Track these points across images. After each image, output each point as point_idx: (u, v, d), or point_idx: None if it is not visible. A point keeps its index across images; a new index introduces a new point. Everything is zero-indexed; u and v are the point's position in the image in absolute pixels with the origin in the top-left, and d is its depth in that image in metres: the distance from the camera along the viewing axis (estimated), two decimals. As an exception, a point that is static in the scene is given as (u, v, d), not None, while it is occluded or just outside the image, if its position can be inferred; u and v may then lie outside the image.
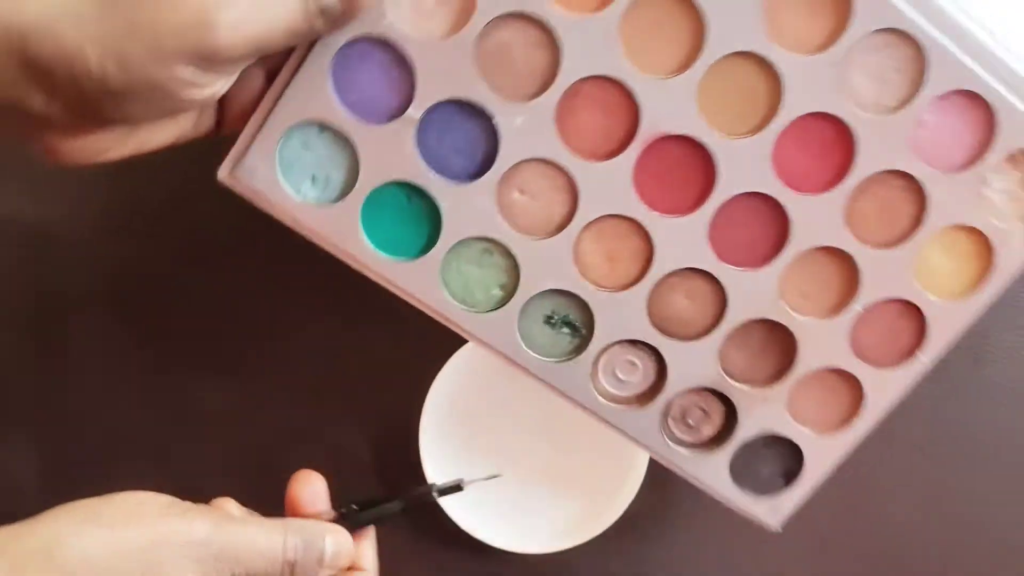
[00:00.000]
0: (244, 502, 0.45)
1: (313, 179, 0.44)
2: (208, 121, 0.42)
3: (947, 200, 0.44)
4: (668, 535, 0.56)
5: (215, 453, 0.55)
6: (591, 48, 0.41)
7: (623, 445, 0.49)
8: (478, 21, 0.41)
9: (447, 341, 0.49)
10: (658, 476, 0.52)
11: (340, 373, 0.55)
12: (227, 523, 0.40)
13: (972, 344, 0.55)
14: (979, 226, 0.45)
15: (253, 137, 0.42)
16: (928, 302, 0.46)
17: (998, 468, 0.57)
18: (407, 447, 0.53)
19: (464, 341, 0.48)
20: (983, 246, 0.45)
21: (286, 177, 0.43)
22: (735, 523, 0.54)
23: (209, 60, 0.35)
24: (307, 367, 0.55)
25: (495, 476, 0.49)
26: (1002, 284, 0.46)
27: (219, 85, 0.38)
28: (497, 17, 0.41)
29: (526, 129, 0.43)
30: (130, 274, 0.53)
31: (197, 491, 0.53)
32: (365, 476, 0.56)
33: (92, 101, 0.35)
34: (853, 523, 0.57)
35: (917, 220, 0.45)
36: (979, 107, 0.43)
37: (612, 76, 0.42)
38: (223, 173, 0.43)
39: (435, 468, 0.51)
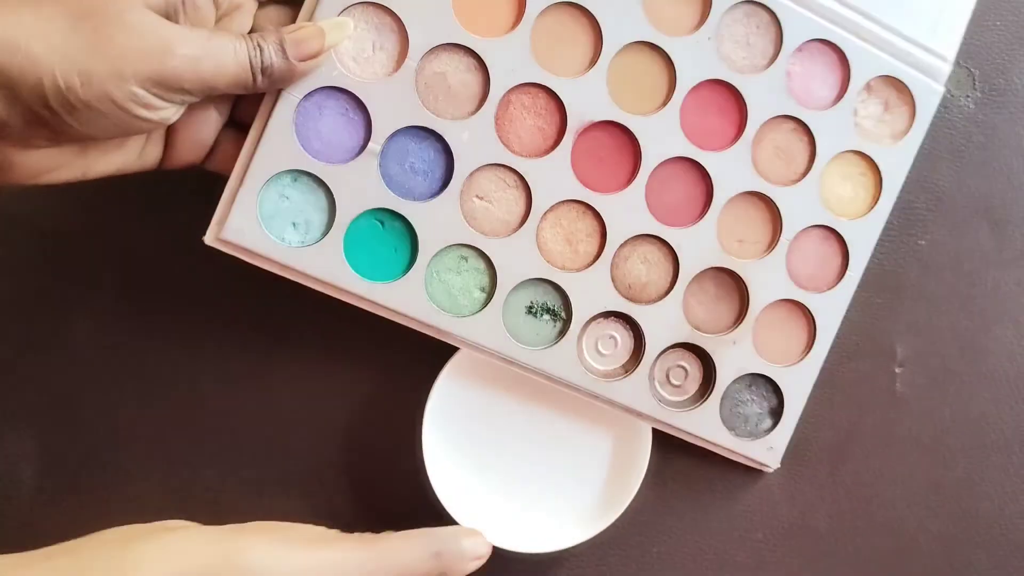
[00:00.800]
0: (248, 499, 0.48)
1: (294, 225, 0.48)
2: (154, 152, 0.46)
3: (829, 132, 0.52)
4: (669, 533, 0.56)
5: (217, 450, 0.54)
6: (511, 63, 0.49)
7: (623, 443, 0.53)
8: (413, 57, 0.47)
9: (438, 356, 0.52)
10: (659, 474, 0.54)
11: (343, 368, 0.55)
12: (382, 541, 0.44)
13: (970, 338, 0.58)
14: (860, 149, 0.53)
15: (233, 198, 0.47)
16: (841, 224, 0.53)
17: (998, 463, 0.58)
18: (410, 456, 0.53)
19: (455, 350, 0.51)
20: (870, 166, 0.53)
21: (269, 229, 0.47)
22: (736, 520, 0.57)
23: (164, 85, 0.40)
24: (307, 369, 0.55)
25: None
26: (894, 194, 0.54)
27: (170, 112, 0.42)
28: (428, 51, 0.48)
29: (473, 141, 0.49)
30: (133, 269, 0.53)
31: (199, 489, 0.53)
32: (367, 486, 0.55)
33: (51, 113, 0.39)
34: (853, 519, 0.57)
35: (811, 154, 0.52)
36: (832, 51, 0.52)
37: (534, 82, 0.49)
38: (209, 238, 0.47)
39: (439, 473, 0.52)
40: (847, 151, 0.53)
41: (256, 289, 0.51)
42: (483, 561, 0.47)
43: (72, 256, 0.53)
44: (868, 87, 0.53)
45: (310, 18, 0.46)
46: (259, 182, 0.47)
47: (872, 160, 0.53)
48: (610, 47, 0.49)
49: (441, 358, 0.52)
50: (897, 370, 0.57)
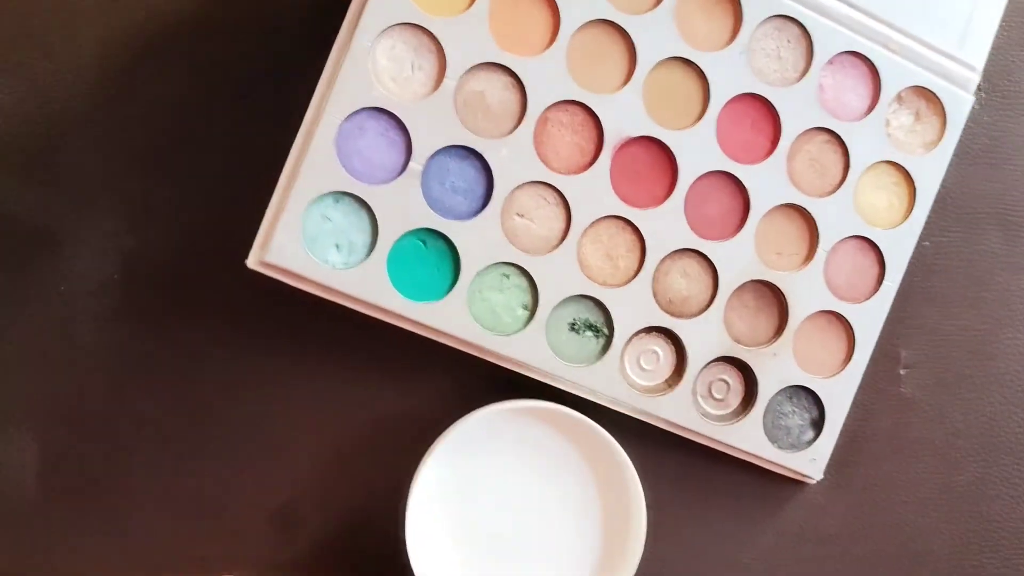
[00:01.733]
0: (250, 501, 0.46)
1: (337, 247, 0.48)
2: None
3: (862, 143, 0.53)
4: (676, 537, 0.56)
5: (220, 455, 0.53)
6: (548, 81, 0.49)
7: (620, 520, 0.52)
8: (451, 76, 0.48)
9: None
10: (665, 482, 0.54)
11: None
12: None
13: (978, 341, 0.58)
14: (894, 159, 0.53)
15: (275, 220, 0.47)
16: (876, 234, 0.53)
17: (1008, 465, 0.59)
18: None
19: (445, 427, 0.51)
20: (903, 176, 0.54)
21: (312, 251, 0.47)
22: (744, 524, 0.57)
23: None
24: (316, 378, 0.54)
25: None
26: (928, 203, 0.54)
27: None
28: (466, 71, 0.48)
29: (512, 158, 0.49)
30: (136, 270, 0.52)
31: (200, 493, 0.53)
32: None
33: None
34: (863, 523, 0.57)
35: (844, 166, 0.53)
36: (862, 63, 0.53)
37: (570, 99, 0.49)
38: (252, 261, 0.47)
39: (421, 555, 0.50)
40: (880, 162, 0.53)
41: (262, 293, 0.51)
42: None
43: (74, 256, 0.52)
44: (899, 98, 0.53)
45: (349, 39, 0.47)
46: (302, 204, 0.47)
47: (905, 170, 0.54)
48: (644, 63, 0.50)
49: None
50: (902, 372, 0.57)
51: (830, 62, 0.52)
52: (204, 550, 0.52)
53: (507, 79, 0.49)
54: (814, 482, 0.55)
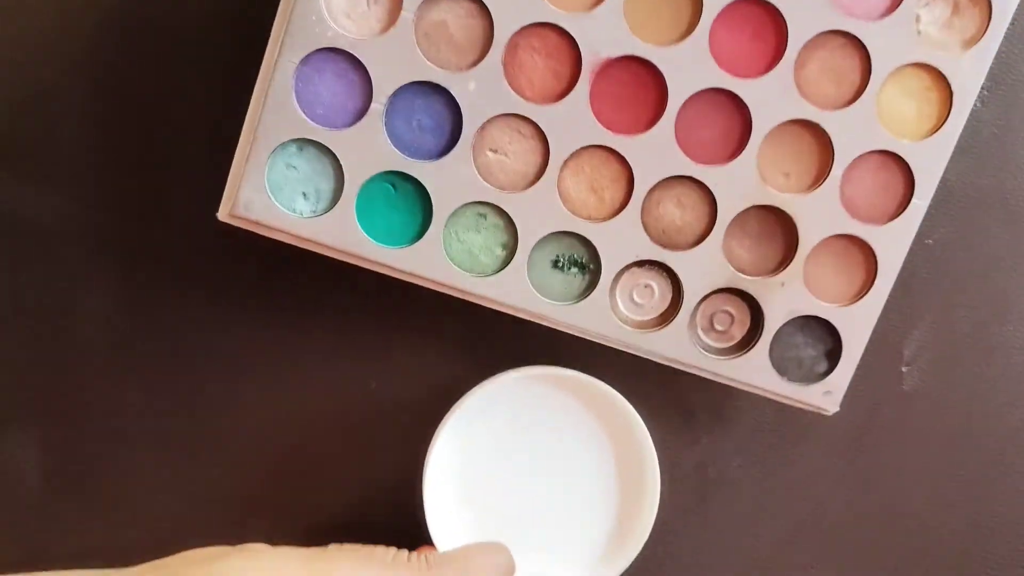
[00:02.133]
0: (251, 495, 0.47)
1: (304, 195, 0.47)
2: None
3: (885, 45, 0.46)
4: (679, 526, 0.56)
5: (223, 449, 0.55)
6: (515, 2, 0.45)
7: (634, 488, 0.52)
8: (408, 8, 0.45)
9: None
10: (666, 468, 0.52)
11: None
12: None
13: (982, 335, 0.56)
14: (925, 60, 0.47)
15: (241, 173, 0.46)
16: (903, 147, 0.48)
17: (1011, 461, 0.57)
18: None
19: (463, 393, 0.50)
20: (937, 78, 0.47)
21: (279, 200, 0.47)
22: (747, 514, 0.56)
23: None
24: (317, 368, 0.54)
25: None
26: (967, 109, 0.47)
27: None
28: (424, 1, 0.45)
29: (481, 92, 0.46)
30: (138, 266, 0.53)
31: (204, 487, 0.55)
32: (366, 505, 0.56)
33: None
34: (867, 515, 0.56)
35: (865, 71, 0.47)
36: (885, -50, 0.46)
37: (541, 21, 0.45)
38: (222, 214, 0.47)
39: (439, 524, 0.51)
40: (909, 64, 0.47)
41: (264, 287, 0.52)
42: None
43: (75, 252, 0.53)
44: (933, -13, 0.46)
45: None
46: (264, 154, 0.46)
47: (939, 72, 0.47)
48: (625, -27, 0.45)
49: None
50: (904, 369, 0.55)
51: (847, -48, 0.45)
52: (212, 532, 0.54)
53: (470, 5, 0.45)
54: (829, 414, 0.51)
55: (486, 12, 0.45)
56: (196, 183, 0.51)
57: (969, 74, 0.47)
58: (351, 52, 0.45)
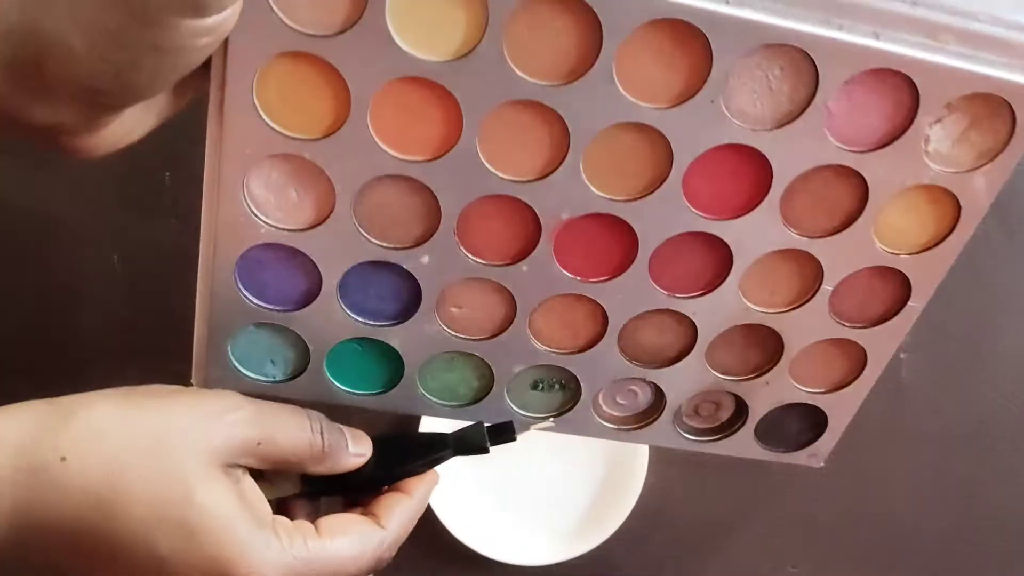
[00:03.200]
0: None
1: (272, 362, 0.46)
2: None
3: (888, 173, 0.40)
4: (669, 521, 0.57)
5: None
6: (461, 178, 0.40)
7: (622, 455, 0.51)
8: (342, 199, 0.40)
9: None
10: (659, 463, 0.54)
11: None
12: (258, 401, 0.40)
13: (974, 333, 0.54)
14: (933, 183, 0.41)
15: (204, 355, 0.45)
16: (900, 260, 0.44)
17: (1003, 455, 0.57)
18: None
19: None
20: (943, 193, 0.42)
21: (248, 369, 0.46)
22: (738, 509, 0.57)
23: (199, 7, 0.31)
24: None
25: (550, 427, 0.48)
26: (974, 222, 0.42)
27: (223, 17, 0.32)
28: (360, 188, 0.40)
29: (436, 262, 0.42)
30: (139, 256, 0.54)
31: None
32: None
33: (97, 91, 0.32)
34: (857, 509, 0.57)
35: (862, 199, 0.41)
36: (892, 76, 0.38)
37: (491, 194, 0.40)
38: (196, 381, 0.46)
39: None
40: (913, 187, 0.41)
41: None
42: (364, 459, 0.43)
43: (76, 244, 0.53)
44: (948, 106, 0.39)
45: (216, 177, 0.39)
46: (222, 338, 0.44)
47: (948, 189, 0.41)
48: (581, 137, 0.39)
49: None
50: (903, 356, 0.54)
51: (844, 83, 0.38)
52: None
53: (410, 182, 0.40)
54: (816, 466, 0.53)
55: (427, 190, 0.40)
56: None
57: (982, 191, 0.41)
58: (288, 244, 0.41)
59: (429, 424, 0.51)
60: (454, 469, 0.52)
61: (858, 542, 0.59)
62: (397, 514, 0.42)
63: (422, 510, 0.44)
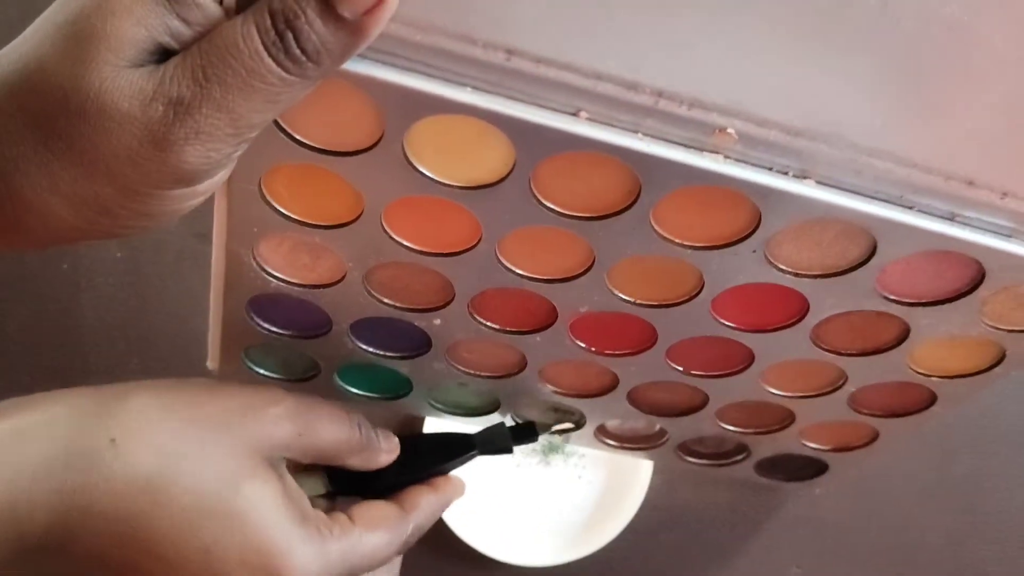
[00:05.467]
0: None
1: (286, 366, 0.46)
2: None
3: (934, 321, 0.37)
4: (672, 523, 0.56)
5: None
6: (477, 272, 0.38)
7: (626, 457, 0.52)
8: (355, 272, 0.38)
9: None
10: (661, 467, 0.53)
11: None
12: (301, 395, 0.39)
13: None
14: (981, 336, 0.38)
15: (218, 356, 0.45)
16: (931, 381, 0.41)
17: (1006, 457, 0.56)
18: None
19: None
20: (991, 342, 0.39)
21: (262, 368, 0.46)
22: (741, 513, 0.56)
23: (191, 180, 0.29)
24: None
25: (572, 429, 0.48)
26: (1019, 365, 0.39)
27: (214, 182, 0.30)
28: (375, 265, 0.38)
29: (448, 326, 0.41)
30: (140, 249, 0.54)
31: None
32: None
33: (78, 239, 0.31)
34: (859, 513, 0.56)
35: (901, 337, 0.39)
36: (958, 255, 0.34)
37: (511, 287, 0.38)
38: (211, 365, 0.47)
39: None
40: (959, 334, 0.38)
41: None
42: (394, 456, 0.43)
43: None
44: (1005, 289, 0.35)
45: (223, 247, 0.38)
46: (236, 351, 0.45)
47: (995, 341, 0.38)
48: (608, 258, 0.36)
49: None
50: None
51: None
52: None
53: (423, 266, 0.38)
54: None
55: (443, 276, 0.38)
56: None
57: (1032, 346, 0.38)
58: (299, 295, 0.40)
59: (440, 424, 0.51)
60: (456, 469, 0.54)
61: (862, 543, 0.58)
62: (423, 504, 0.42)
63: (446, 507, 0.44)
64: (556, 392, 0.46)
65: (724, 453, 0.51)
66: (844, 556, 0.58)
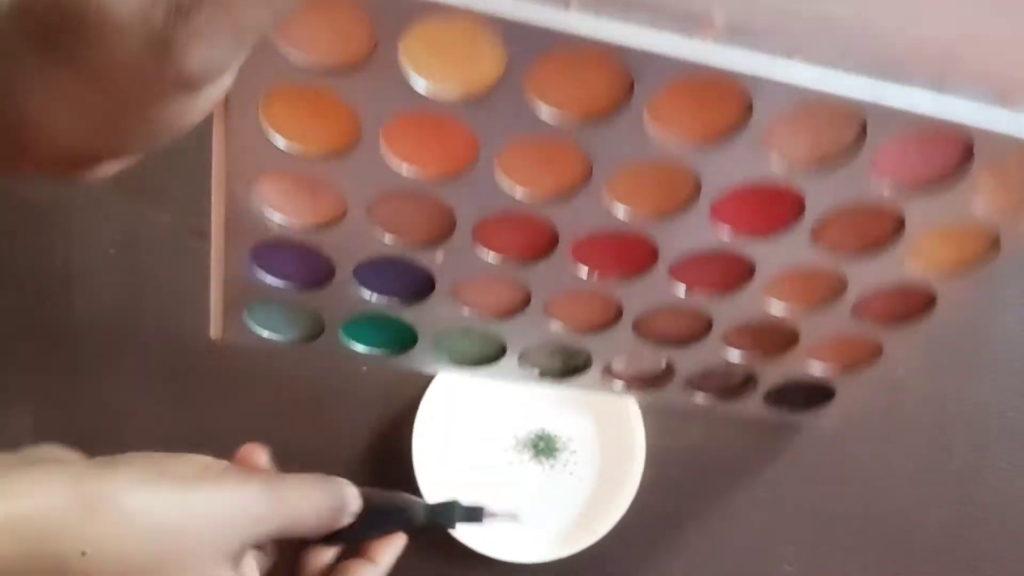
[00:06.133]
0: None
1: (291, 326, 0.46)
2: None
3: (928, 211, 0.38)
4: (670, 517, 0.56)
5: (215, 431, 0.50)
6: (476, 196, 0.38)
7: (618, 453, 0.53)
8: (355, 206, 0.39)
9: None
10: (657, 458, 0.53)
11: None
12: (277, 482, 0.39)
13: (970, 324, 0.53)
14: (979, 223, 0.38)
15: (221, 322, 0.45)
16: (931, 280, 0.42)
17: (1000, 450, 0.56)
18: (399, 462, 0.53)
19: None
20: (986, 230, 0.39)
21: (266, 329, 0.46)
22: (738, 505, 0.57)
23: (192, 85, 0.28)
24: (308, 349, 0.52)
25: (514, 518, 0.46)
26: (1016, 251, 0.40)
27: (218, 86, 0.29)
28: (378, 195, 0.38)
29: (451, 260, 0.41)
30: (136, 247, 0.53)
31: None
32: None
33: (83, 156, 0.31)
34: (856, 504, 0.56)
35: (897, 226, 0.39)
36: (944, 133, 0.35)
37: (510, 210, 0.38)
38: (214, 334, 0.47)
39: (429, 486, 0.52)
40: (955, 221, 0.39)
41: None
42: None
43: (74, 233, 0.53)
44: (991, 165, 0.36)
45: (223, 184, 0.38)
46: (237, 308, 0.45)
47: (991, 229, 0.39)
48: (605, 168, 0.36)
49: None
50: None
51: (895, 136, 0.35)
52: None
53: (426, 194, 0.38)
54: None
55: (443, 203, 0.38)
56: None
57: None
58: (303, 242, 0.40)
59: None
60: (451, 468, 0.54)
61: (855, 539, 0.58)
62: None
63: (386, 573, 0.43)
64: (563, 328, 0.46)
65: (732, 387, 0.51)
66: (837, 552, 0.58)
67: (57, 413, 0.55)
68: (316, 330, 0.47)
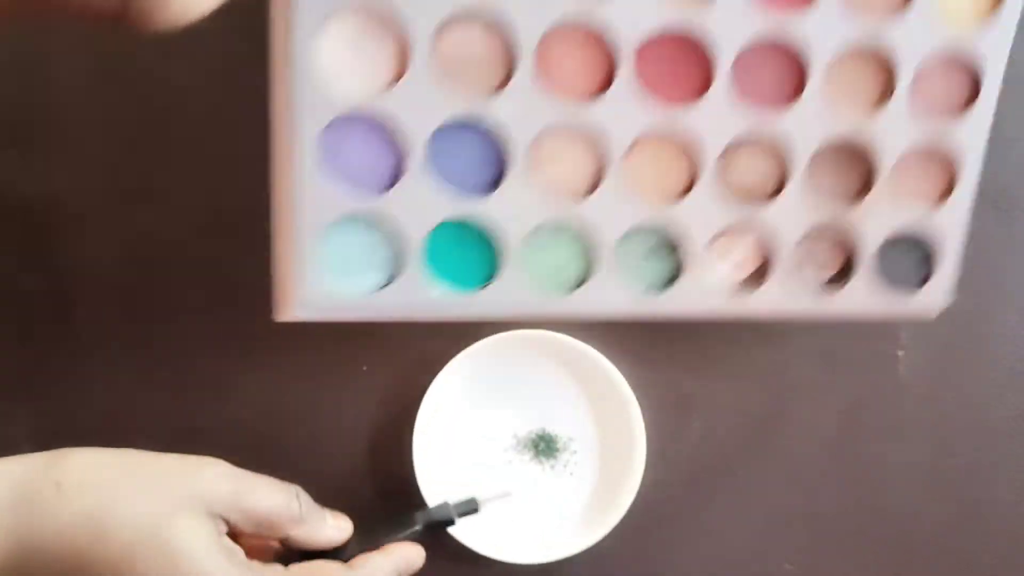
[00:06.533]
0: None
1: (369, 266, 0.43)
2: None
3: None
4: (668, 518, 0.55)
5: (216, 432, 0.52)
6: (534, 7, 0.40)
7: (619, 452, 0.52)
8: (419, 51, 0.40)
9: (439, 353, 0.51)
10: (656, 457, 0.53)
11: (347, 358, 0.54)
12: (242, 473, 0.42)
13: (972, 324, 0.55)
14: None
15: (290, 272, 0.42)
16: (964, 38, 0.44)
17: (1001, 449, 0.57)
18: (400, 461, 0.52)
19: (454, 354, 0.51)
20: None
21: (345, 276, 0.43)
22: (738, 503, 0.56)
23: None
24: (311, 351, 0.53)
25: (507, 495, 0.50)
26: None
27: None
28: (435, 34, 0.40)
29: (520, 109, 0.42)
30: (136, 248, 0.52)
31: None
32: (359, 484, 0.55)
33: None
34: (856, 503, 0.56)
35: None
36: None
37: (570, 21, 0.41)
38: (282, 315, 0.43)
39: (429, 485, 0.51)
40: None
41: (262, 271, 0.46)
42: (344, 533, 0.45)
43: (73, 233, 0.51)
44: None
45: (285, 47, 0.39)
46: (310, 243, 0.42)
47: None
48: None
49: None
50: (900, 353, 0.55)
51: None
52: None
53: (484, 21, 0.40)
54: (935, 314, 0.50)
55: (503, 27, 0.40)
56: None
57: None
58: (372, 112, 0.40)
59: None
60: (451, 468, 0.53)
61: (855, 539, 0.56)
62: (370, 563, 0.44)
63: (398, 571, 0.45)
64: (644, 204, 0.44)
65: (833, 278, 0.48)
66: (837, 552, 0.56)
67: (57, 413, 0.54)
68: (399, 263, 0.43)
